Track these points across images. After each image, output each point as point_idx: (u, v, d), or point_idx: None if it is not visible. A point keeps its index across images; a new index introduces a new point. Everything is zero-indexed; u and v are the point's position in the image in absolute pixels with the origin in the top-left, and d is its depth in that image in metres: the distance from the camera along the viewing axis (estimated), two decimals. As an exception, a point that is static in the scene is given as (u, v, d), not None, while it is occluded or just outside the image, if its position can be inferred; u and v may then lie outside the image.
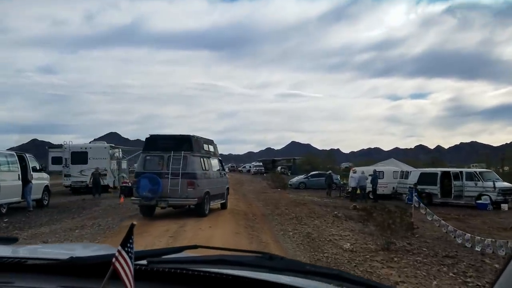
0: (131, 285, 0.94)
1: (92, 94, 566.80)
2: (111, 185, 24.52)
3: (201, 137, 13.95)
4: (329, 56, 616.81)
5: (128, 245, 0.96)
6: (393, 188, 24.97)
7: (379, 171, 24.82)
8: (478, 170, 23.41)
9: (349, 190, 26.04)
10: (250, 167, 67.77)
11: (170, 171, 12.26)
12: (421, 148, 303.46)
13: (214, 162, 14.64)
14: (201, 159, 13.15)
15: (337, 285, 1.10)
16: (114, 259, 0.95)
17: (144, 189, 12.06)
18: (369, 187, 23.56)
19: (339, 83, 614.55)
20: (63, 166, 24.55)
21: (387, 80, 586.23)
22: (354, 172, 24.86)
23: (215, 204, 14.08)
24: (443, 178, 21.20)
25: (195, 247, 1.30)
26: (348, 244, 8.04)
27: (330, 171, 29.99)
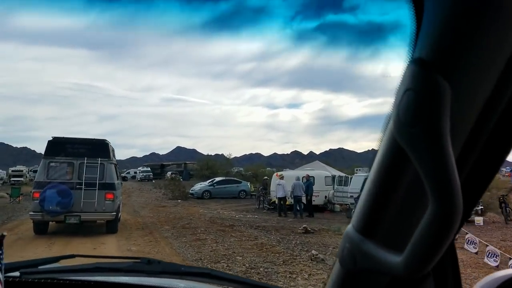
0: None
1: None
2: None
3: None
4: (213, 63, 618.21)
5: None
6: (325, 197, 20.43)
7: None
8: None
9: (272, 201, 20.77)
10: (135, 173, 58.59)
11: (83, 181, 10.99)
12: (296, 153, 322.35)
13: (116, 170, 12.80)
14: (115, 167, 12.17)
15: (209, 282, 1.20)
16: None
17: (52, 202, 10.57)
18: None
19: (223, 90, 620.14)
20: None
21: (266, 89, 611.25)
22: (281, 178, 19.58)
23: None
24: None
25: (72, 256, 1.27)
26: None
27: (266, 177, 24.14)
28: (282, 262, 7.85)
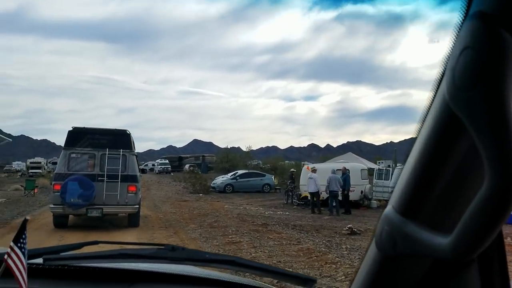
0: (24, 282, 0.91)
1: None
2: None
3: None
4: (229, 55, 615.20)
5: (21, 241, 0.92)
6: (361, 192, 18.65)
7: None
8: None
9: (303, 196, 19.13)
10: (153, 165, 57.78)
11: (106, 173, 10.52)
12: (313, 146, 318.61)
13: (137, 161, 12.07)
14: (136, 158, 11.64)
15: (234, 270, 1.19)
16: (6, 256, 0.91)
17: (73, 194, 10.06)
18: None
19: (239, 83, 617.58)
20: None
21: (283, 82, 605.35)
22: (313, 171, 17.88)
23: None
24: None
25: (95, 242, 1.24)
26: None
27: (293, 169, 22.52)
28: (344, 277, 6.23)
